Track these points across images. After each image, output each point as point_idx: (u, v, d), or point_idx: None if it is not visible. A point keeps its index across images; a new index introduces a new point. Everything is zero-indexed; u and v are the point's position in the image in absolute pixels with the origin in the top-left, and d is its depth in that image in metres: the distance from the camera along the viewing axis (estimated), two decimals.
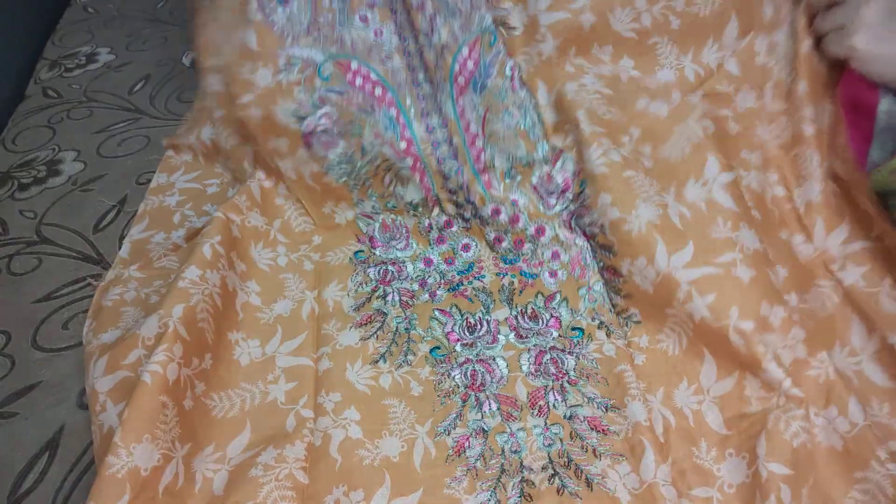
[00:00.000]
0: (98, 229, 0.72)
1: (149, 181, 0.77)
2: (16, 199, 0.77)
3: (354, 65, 0.61)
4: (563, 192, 0.60)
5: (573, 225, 0.60)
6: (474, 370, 0.55)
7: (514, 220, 0.61)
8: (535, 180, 0.60)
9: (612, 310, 0.56)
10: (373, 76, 0.61)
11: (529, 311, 0.58)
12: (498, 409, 0.52)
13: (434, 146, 0.62)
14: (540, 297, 0.59)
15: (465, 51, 0.60)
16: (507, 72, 0.60)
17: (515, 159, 0.61)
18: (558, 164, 0.60)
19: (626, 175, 0.55)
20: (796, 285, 0.53)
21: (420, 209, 0.63)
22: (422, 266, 0.62)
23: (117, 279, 0.63)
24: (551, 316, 0.57)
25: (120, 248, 0.68)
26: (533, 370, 0.54)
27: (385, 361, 0.56)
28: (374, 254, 0.64)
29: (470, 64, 0.60)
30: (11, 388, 0.57)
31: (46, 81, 0.98)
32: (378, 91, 0.61)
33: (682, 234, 0.52)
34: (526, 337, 0.56)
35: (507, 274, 0.60)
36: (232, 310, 0.59)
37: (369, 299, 0.60)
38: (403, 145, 0.62)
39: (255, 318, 0.60)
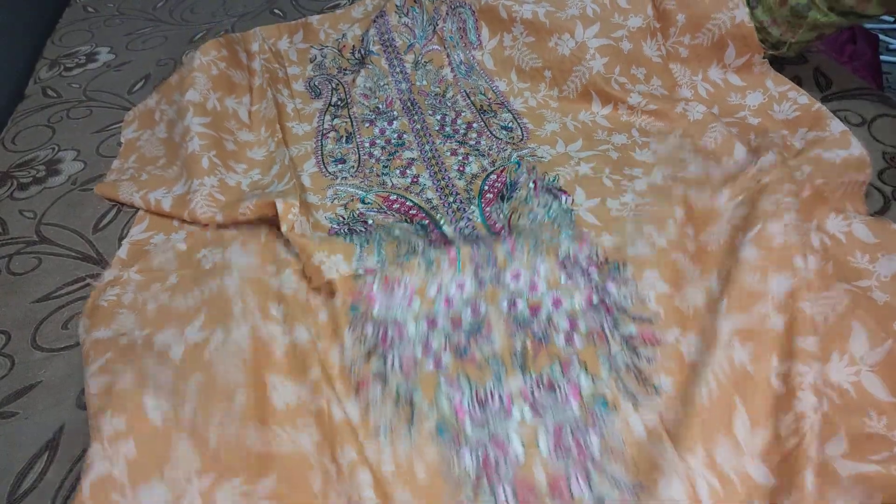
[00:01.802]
0: (98, 229, 0.72)
1: None
2: (15, 199, 0.77)
3: (393, 197, 0.70)
4: (589, 269, 0.59)
5: (593, 299, 0.57)
6: (486, 453, 0.48)
7: (532, 287, 0.58)
8: (561, 255, 0.59)
9: (638, 376, 0.51)
10: (409, 203, 0.69)
11: (545, 379, 0.52)
12: (514, 495, 0.46)
13: (461, 238, 0.64)
14: (556, 362, 0.53)
15: (493, 177, 0.71)
16: (531, 185, 0.68)
17: (540, 241, 0.61)
18: (584, 247, 0.60)
19: (673, 258, 0.58)
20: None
21: (434, 267, 0.59)
22: (425, 326, 0.56)
23: (116, 280, 0.63)
24: (570, 385, 0.52)
25: (119, 247, 0.69)
26: (552, 449, 0.48)
27: (386, 437, 0.50)
28: (372, 311, 0.57)
29: (497, 184, 0.69)
30: (11, 388, 0.57)
31: (46, 81, 0.98)
32: (413, 211, 0.68)
33: (728, 316, 0.52)
34: (543, 411, 0.50)
35: (518, 336, 0.55)
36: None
37: (367, 360, 0.54)
38: (434, 236, 0.64)
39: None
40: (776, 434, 0.45)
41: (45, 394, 0.56)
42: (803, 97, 0.73)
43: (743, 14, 0.73)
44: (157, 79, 0.96)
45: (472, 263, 0.59)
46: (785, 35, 0.73)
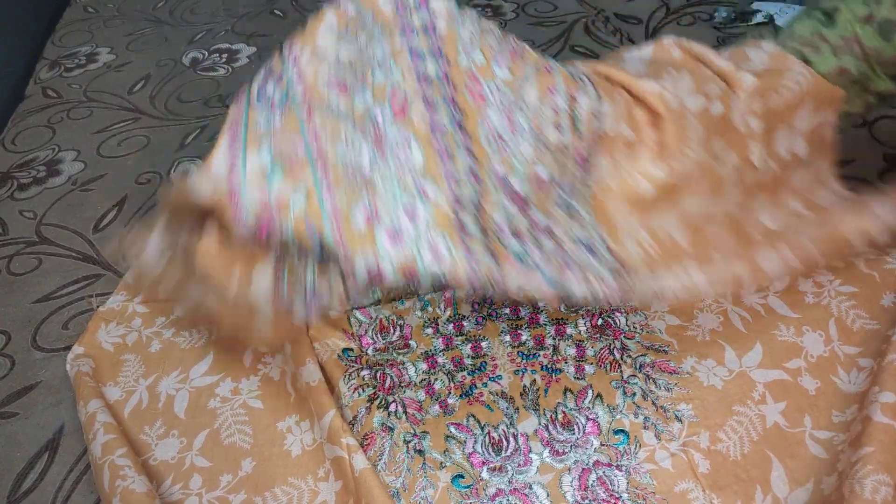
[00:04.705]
0: (98, 229, 0.72)
1: (149, 181, 0.77)
2: (16, 199, 0.77)
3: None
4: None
5: (599, 322, 0.55)
6: None
7: (532, 320, 0.57)
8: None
9: (656, 402, 0.50)
10: None
11: (560, 415, 0.50)
12: None
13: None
14: (569, 395, 0.51)
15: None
16: None
17: None
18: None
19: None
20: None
21: (430, 308, 0.58)
22: (425, 367, 0.54)
23: (121, 313, 0.61)
24: (587, 419, 0.49)
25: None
26: (579, 497, 0.45)
27: (401, 500, 0.46)
28: (366, 353, 0.55)
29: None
30: (11, 388, 0.57)
31: (46, 81, 0.98)
32: None
33: (748, 336, 0.52)
34: (563, 452, 0.48)
35: (526, 370, 0.53)
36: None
37: (369, 409, 0.51)
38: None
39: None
40: (820, 493, 0.44)
41: (45, 394, 0.56)
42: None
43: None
44: (158, 79, 0.96)
45: (469, 302, 0.58)
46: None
